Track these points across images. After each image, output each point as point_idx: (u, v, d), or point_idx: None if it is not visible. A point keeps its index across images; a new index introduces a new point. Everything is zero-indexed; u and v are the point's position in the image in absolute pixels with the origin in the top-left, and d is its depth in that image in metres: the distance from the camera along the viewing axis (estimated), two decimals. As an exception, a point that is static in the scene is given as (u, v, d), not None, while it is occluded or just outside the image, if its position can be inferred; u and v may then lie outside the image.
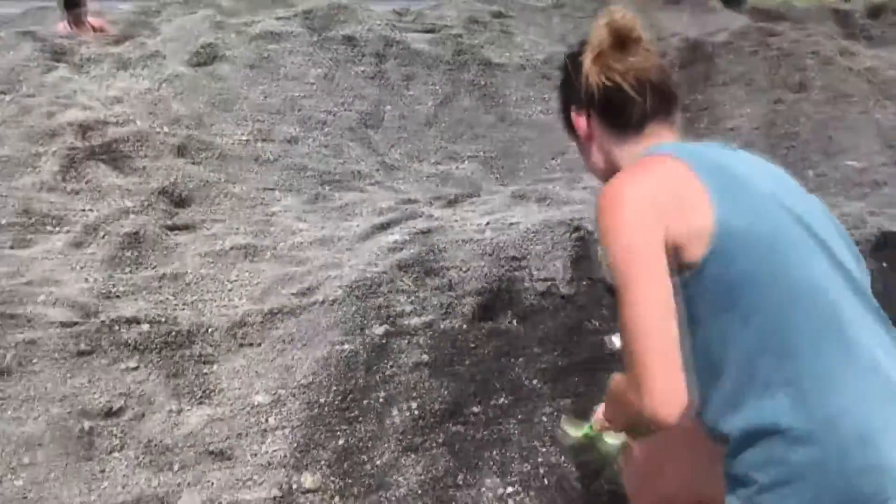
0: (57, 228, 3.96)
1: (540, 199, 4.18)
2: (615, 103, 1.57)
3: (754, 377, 1.33)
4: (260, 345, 3.14)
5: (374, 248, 3.45)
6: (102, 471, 2.75)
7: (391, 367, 2.92)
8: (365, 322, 3.04)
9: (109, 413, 2.89)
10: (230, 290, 3.62)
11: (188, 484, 2.69)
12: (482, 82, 6.11)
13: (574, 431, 1.89)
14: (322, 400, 2.88)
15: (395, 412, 2.80)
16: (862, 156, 5.48)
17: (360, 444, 2.77)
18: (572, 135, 1.71)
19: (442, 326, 3.00)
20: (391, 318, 3.06)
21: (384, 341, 2.98)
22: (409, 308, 3.10)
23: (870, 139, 5.56)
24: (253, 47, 5.79)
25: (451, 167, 5.48)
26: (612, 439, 1.80)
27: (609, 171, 1.57)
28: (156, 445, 2.79)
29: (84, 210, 4.19)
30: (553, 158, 5.68)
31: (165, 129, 5.01)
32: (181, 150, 4.86)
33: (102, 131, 4.84)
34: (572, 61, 1.66)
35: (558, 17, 7.95)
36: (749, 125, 5.78)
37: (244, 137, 5.12)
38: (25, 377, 2.93)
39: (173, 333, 3.15)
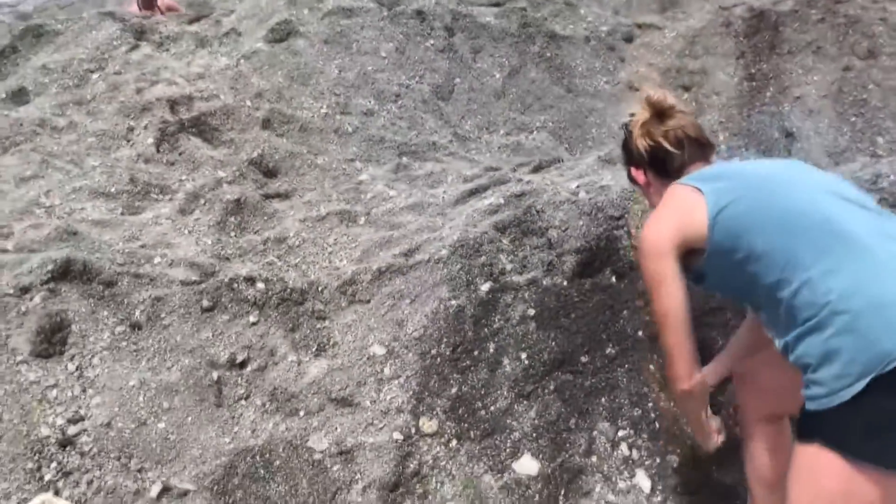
0: (161, 196, 4.15)
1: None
2: (660, 158, 2.29)
3: (783, 299, 1.85)
4: (369, 301, 3.31)
5: (470, 211, 3.59)
6: (233, 417, 2.94)
7: (499, 320, 3.07)
8: (470, 279, 3.19)
9: (234, 364, 3.08)
10: (331, 253, 3.79)
11: (315, 428, 2.88)
12: (548, 54, 6.19)
13: None
14: (434, 351, 3.04)
15: (505, 362, 2.95)
16: (933, 122, 5.49)
17: (474, 391, 2.93)
18: (634, 184, 2.43)
19: (545, 283, 3.14)
20: (494, 276, 3.20)
21: (490, 297, 3.13)
22: (510, 266, 3.24)
23: (940, 105, 5.56)
24: (326, 23, 5.93)
25: (521, 137, 5.59)
26: None
27: None
28: (281, 393, 2.98)
29: (182, 180, 4.38)
30: (620, 128, 5.75)
31: (248, 103, 5.18)
32: (265, 123, 5.03)
33: (190, 106, 5.03)
34: (626, 129, 2.41)
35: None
36: (816, 93, 5.80)
37: (323, 110, 5.28)
38: (156, 331, 3.13)
39: (288, 291, 3.33)
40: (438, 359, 3.01)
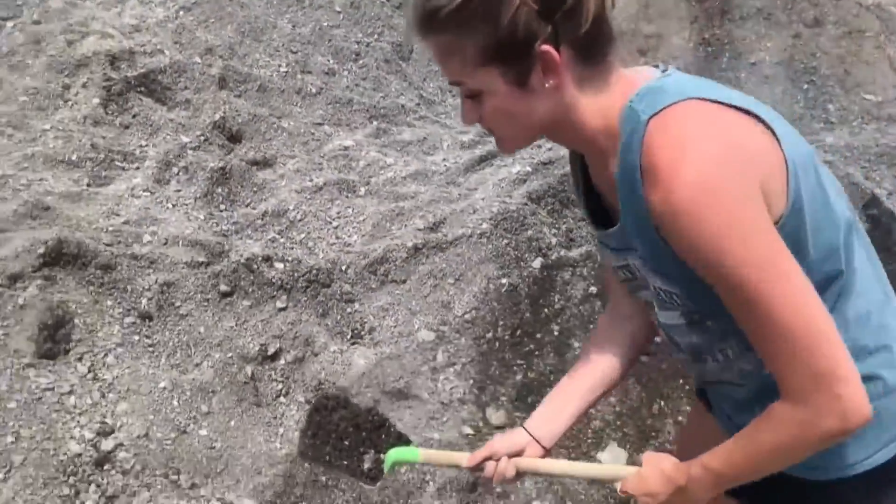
0: (126, 164, 3.65)
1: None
2: (596, 31, 1.12)
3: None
4: (405, 282, 3.02)
5: (496, 180, 3.35)
6: (275, 417, 2.61)
7: (559, 300, 2.86)
8: (519, 255, 2.96)
9: (266, 356, 2.74)
10: (337, 227, 3.45)
11: (371, 425, 2.59)
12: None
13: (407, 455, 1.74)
14: (490, 335, 2.80)
15: (575, 344, 2.76)
16: (879, 90, 5.68)
17: (542, 377, 2.72)
18: (517, 78, 1.14)
19: (601, 258, 2.96)
20: (543, 251, 2.99)
21: (544, 274, 2.92)
22: (555, 240, 3.04)
23: (884, 74, 5.75)
24: (272, -27, 5.44)
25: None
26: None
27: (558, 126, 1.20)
28: (328, 388, 2.66)
29: (143, 146, 3.88)
30: None
31: (198, 59, 4.66)
32: (221, 83, 4.54)
33: (132, 61, 4.46)
34: None
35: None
36: (770, 60, 5.88)
37: (283, 69, 4.84)
38: (171, 321, 2.72)
39: (313, 272, 2.99)
40: (497, 343, 2.78)
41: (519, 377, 2.71)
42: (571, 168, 1.45)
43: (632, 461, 2.54)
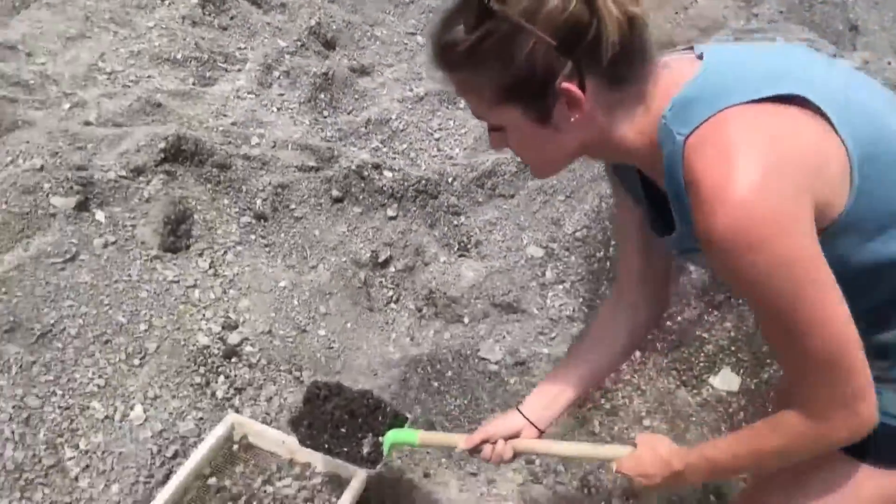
0: (228, 66, 3.63)
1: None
2: (630, 47, 1.02)
3: None
4: (513, 196, 2.98)
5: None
6: (387, 322, 2.63)
7: (673, 222, 2.80)
8: (632, 175, 2.89)
9: (377, 263, 2.74)
10: (438, 139, 3.41)
11: (482, 337, 2.60)
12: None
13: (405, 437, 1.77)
14: (600, 254, 2.77)
15: (691, 268, 2.71)
16: None
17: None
18: (537, 122, 1.08)
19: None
20: (657, 172, 2.92)
21: (658, 195, 2.85)
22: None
23: None
24: None
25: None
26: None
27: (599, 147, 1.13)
28: (439, 298, 2.67)
29: (241, 48, 3.84)
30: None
31: (292, -38, 4.58)
32: (316, -13, 4.46)
33: (227, -39, 4.40)
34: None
35: None
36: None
37: (377, -25, 4.72)
38: (286, 224, 2.74)
39: (422, 182, 2.96)
40: (608, 263, 2.74)
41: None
42: (609, 171, 1.40)
43: (745, 386, 2.52)
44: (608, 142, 1.11)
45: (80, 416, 1.96)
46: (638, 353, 2.60)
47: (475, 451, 1.56)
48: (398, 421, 1.80)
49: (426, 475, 2.21)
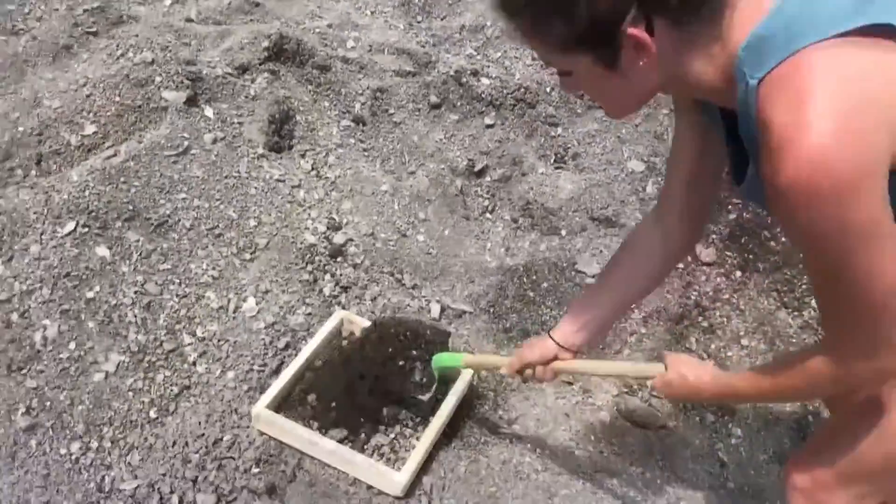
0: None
1: None
2: None
3: None
4: (614, 109, 2.91)
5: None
6: (483, 232, 2.63)
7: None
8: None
9: (472, 172, 2.73)
10: (534, 49, 3.33)
11: (578, 250, 2.58)
12: None
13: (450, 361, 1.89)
14: (703, 171, 2.70)
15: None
16: None
17: (759, 219, 2.63)
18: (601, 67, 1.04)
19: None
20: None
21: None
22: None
23: None
24: None
25: None
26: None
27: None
28: (537, 209, 2.65)
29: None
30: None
31: None
32: None
33: None
34: None
35: None
36: None
37: None
38: (385, 128, 2.73)
39: (521, 90, 2.91)
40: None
41: (733, 216, 2.63)
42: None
43: None
44: (684, 82, 1.07)
45: (196, 305, 2.02)
46: (738, 273, 2.56)
47: (518, 373, 1.67)
48: (442, 341, 1.90)
49: (524, 381, 2.24)
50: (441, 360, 1.87)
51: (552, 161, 2.84)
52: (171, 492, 1.70)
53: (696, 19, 0.99)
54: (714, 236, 2.62)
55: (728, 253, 2.60)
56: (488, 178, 2.74)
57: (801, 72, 0.92)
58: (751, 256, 2.58)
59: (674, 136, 1.42)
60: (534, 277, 2.49)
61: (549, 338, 1.61)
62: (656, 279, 1.60)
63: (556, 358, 1.61)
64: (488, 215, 2.68)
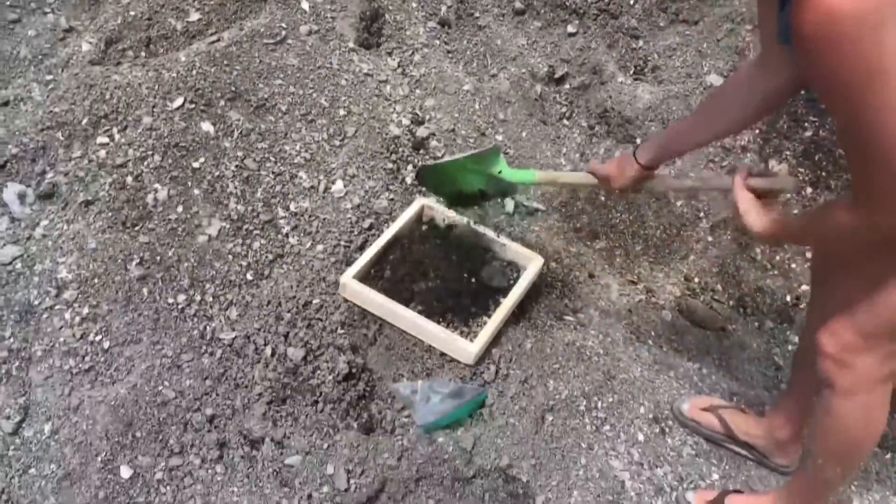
0: None
1: None
2: None
3: None
4: (698, 23, 2.92)
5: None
6: (559, 136, 2.71)
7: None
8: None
9: (552, 78, 2.79)
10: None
11: (652, 159, 2.64)
12: None
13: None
14: (782, 88, 2.71)
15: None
16: None
17: (832, 139, 2.64)
18: None
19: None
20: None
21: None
22: None
23: None
24: None
25: None
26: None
27: None
28: (613, 117, 2.71)
29: None
30: None
31: None
32: None
33: None
34: None
35: None
36: None
37: None
38: (469, 31, 2.80)
39: (604, 0, 2.94)
40: (791, 98, 2.68)
41: (808, 133, 2.65)
42: None
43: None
44: None
45: (290, 183, 2.18)
46: (809, 189, 2.59)
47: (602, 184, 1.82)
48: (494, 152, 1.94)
49: (591, 275, 2.35)
50: (513, 174, 1.95)
51: (631, 72, 2.88)
52: (266, 344, 1.88)
53: None
54: (787, 153, 2.65)
55: (801, 169, 2.63)
56: (567, 86, 2.80)
57: None
58: (823, 174, 2.61)
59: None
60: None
61: (632, 157, 1.73)
62: (755, 115, 1.61)
63: (635, 177, 1.74)
64: (565, 121, 2.75)
